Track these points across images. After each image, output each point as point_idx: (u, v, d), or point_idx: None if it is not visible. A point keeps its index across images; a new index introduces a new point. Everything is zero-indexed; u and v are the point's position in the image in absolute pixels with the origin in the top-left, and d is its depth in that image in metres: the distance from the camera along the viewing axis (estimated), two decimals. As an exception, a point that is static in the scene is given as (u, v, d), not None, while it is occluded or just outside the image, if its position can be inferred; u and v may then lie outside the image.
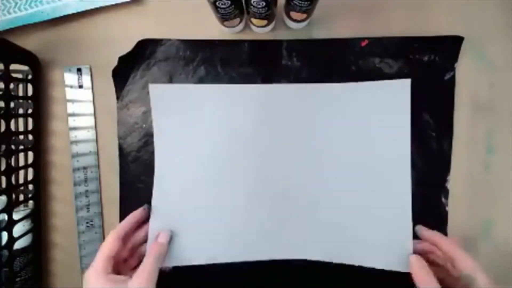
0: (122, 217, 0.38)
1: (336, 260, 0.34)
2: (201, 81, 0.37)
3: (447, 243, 0.30)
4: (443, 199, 0.36)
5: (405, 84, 0.34)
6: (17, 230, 0.35)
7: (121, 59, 0.37)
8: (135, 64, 0.38)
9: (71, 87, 0.38)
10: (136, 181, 0.38)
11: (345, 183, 0.34)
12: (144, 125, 0.38)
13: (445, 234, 0.36)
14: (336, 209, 0.34)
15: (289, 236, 0.34)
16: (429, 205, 0.36)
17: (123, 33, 0.38)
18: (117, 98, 0.38)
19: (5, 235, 0.34)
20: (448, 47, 0.35)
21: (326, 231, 0.34)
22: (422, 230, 0.33)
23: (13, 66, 0.35)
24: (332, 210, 0.34)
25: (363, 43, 0.36)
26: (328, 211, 0.34)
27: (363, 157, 0.34)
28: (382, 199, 0.34)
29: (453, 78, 0.35)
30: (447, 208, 0.36)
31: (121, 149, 0.38)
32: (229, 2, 0.29)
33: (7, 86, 0.34)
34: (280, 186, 0.35)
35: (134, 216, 0.33)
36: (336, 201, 0.34)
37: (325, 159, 0.34)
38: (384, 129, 0.34)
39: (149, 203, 0.36)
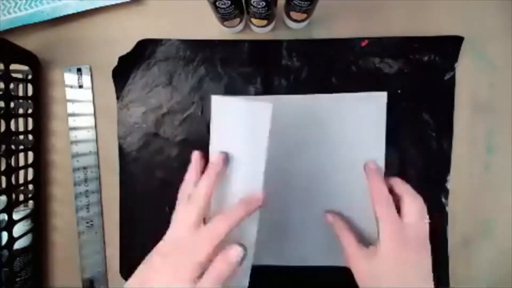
0: (122, 217, 0.38)
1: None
2: (201, 81, 0.37)
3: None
4: (443, 199, 0.36)
5: (381, 97, 0.35)
6: (17, 230, 0.35)
7: (121, 59, 0.37)
8: (135, 64, 0.38)
9: (71, 87, 0.38)
10: (136, 181, 0.38)
11: (326, 192, 0.35)
12: (144, 125, 0.38)
13: (445, 235, 0.36)
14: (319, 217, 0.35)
15: (283, 243, 0.36)
16: (429, 205, 0.36)
17: (123, 33, 0.38)
18: (117, 98, 0.38)
19: (5, 235, 0.34)
20: (448, 47, 0.35)
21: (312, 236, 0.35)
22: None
23: (13, 66, 0.35)
24: (316, 217, 0.35)
25: (363, 43, 0.36)
26: (314, 219, 0.35)
27: (342, 165, 0.35)
28: (357, 206, 0.34)
29: (453, 78, 0.35)
30: (447, 208, 0.36)
31: (121, 149, 0.38)
32: (229, 2, 0.29)
33: (7, 86, 0.34)
34: (275, 194, 0.34)
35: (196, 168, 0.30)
36: (318, 209, 0.35)
37: (311, 167, 0.35)
38: (360, 140, 0.35)
39: (148, 203, 0.37)
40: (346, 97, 0.35)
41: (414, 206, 0.28)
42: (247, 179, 0.30)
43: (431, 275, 0.27)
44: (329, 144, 0.35)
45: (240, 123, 0.30)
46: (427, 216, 0.28)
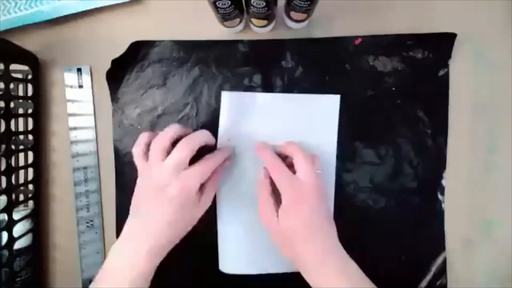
0: (118, 220, 0.38)
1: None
2: (195, 81, 0.37)
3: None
4: (439, 196, 0.36)
5: (334, 99, 0.36)
6: (17, 230, 0.35)
7: (114, 61, 0.37)
8: (128, 66, 0.38)
9: (71, 87, 0.38)
10: (133, 183, 0.37)
11: None
12: (139, 127, 0.38)
13: (442, 231, 0.36)
14: None
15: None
16: (425, 202, 0.36)
17: (123, 33, 0.37)
18: (112, 100, 0.38)
19: (5, 235, 0.34)
20: (441, 44, 0.35)
21: None
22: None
23: (13, 66, 0.35)
24: None
25: (357, 42, 0.36)
26: None
27: None
28: None
29: (447, 75, 0.36)
30: (443, 205, 0.36)
31: (116, 151, 0.38)
32: (229, 2, 0.29)
33: (7, 86, 0.34)
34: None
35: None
36: None
37: None
38: (313, 139, 0.35)
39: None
40: (303, 97, 0.36)
41: (300, 163, 0.30)
42: None
43: (330, 217, 0.31)
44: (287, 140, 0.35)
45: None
46: (319, 167, 0.31)
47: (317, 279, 0.28)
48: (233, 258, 0.36)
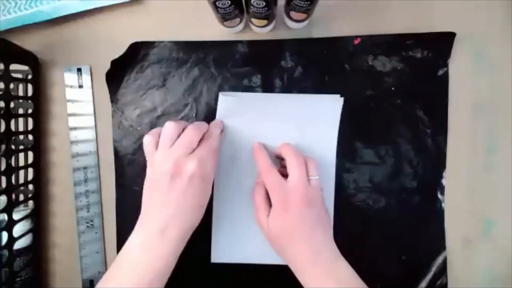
0: (118, 220, 0.38)
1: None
2: (194, 82, 0.37)
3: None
4: (439, 195, 0.36)
5: (336, 100, 0.35)
6: (17, 230, 0.35)
7: (114, 62, 0.37)
8: (128, 67, 0.38)
9: (71, 87, 0.38)
10: (133, 184, 0.38)
11: None
12: (138, 128, 0.38)
13: (442, 230, 0.36)
14: None
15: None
16: (425, 201, 0.36)
17: (123, 33, 0.38)
18: (112, 101, 0.38)
19: (5, 235, 0.34)
20: (440, 43, 0.35)
21: None
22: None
23: (13, 66, 0.35)
24: None
25: (356, 41, 0.36)
26: None
27: None
28: None
29: (446, 74, 0.36)
30: (443, 205, 0.36)
31: (116, 152, 0.38)
32: (229, 2, 0.29)
33: (7, 86, 0.34)
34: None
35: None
36: None
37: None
38: (314, 139, 0.35)
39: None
40: (305, 97, 0.36)
41: (292, 167, 0.30)
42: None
43: (322, 221, 0.30)
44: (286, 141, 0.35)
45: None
46: (314, 172, 0.31)
47: (306, 281, 0.28)
48: (228, 247, 0.36)
